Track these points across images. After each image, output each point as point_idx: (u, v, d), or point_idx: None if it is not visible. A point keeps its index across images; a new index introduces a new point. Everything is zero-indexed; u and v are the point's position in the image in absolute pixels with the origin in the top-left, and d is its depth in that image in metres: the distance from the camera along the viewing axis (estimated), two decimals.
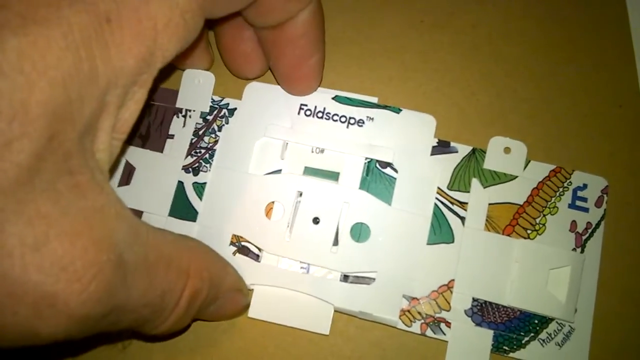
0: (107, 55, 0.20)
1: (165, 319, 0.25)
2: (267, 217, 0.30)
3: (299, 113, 0.32)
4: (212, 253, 0.28)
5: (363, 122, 0.31)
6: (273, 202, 0.31)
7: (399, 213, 0.30)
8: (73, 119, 0.20)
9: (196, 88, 0.33)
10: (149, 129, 0.32)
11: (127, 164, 0.32)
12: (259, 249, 0.30)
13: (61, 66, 0.19)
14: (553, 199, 0.30)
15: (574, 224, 0.30)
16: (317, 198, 0.30)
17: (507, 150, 0.31)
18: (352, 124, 0.31)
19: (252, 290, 0.30)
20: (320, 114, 0.32)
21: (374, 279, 0.29)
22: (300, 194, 0.30)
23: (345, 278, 0.30)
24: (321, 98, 0.32)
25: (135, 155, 0.32)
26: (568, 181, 0.30)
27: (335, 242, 0.30)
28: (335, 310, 0.30)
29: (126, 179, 0.32)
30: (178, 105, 0.33)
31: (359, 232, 0.30)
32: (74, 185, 0.20)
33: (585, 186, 0.30)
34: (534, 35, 0.34)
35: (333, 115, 0.32)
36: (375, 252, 0.30)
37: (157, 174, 0.32)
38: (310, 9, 0.28)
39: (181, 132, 0.32)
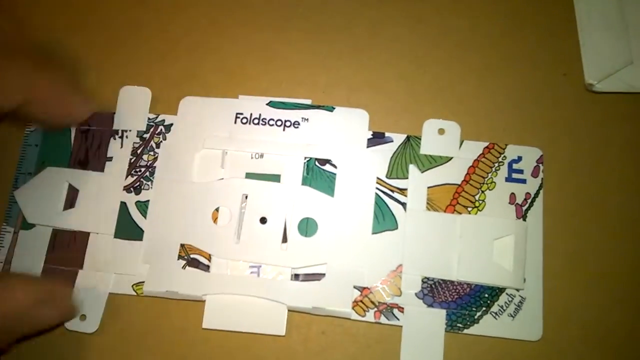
0: None
1: None
2: (214, 223, 0.30)
3: (235, 122, 0.32)
4: None
5: (299, 124, 0.32)
6: (219, 208, 0.31)
7: (342, 204, 0.30)
8: None
9: (132, 107, 0.33)
10: (87, 154, 0.32)
11: (70, 187, 0.32)
12: (209, 259, 0.30)
13: None
14: (489, 174, 0.31)
15: (512, 196, 0.30)
16: (262, 199, 0.31)
17: (441, 131, 0.31)
18: (288, 127, 0.32)
19: (205, 301, 0.30)
20: (256, 121, 0.32)
21: (324, 274, 0.29)
22: (246, 197, 0.31)
23: (296, 277, 0.30)
24: (256, 105, 0.32)
25: (77, 177, 0.32)
26: (502, 156, 0.31)
27: (284, 240, 0.30)
28: (288, 310, 0.29)
29: (70, 202, 0.32)
30: (115, 127, 0.33)
31: (306, 226, 0.30)
32: None
33: (520, 158, 0.31)
34: (481, 7, 0.35)
35: (269, 120, 0.32)
36: (324, 245, 0.30)
37: (100, 193, 0.31)
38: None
39: (119, 153, 0.32)
